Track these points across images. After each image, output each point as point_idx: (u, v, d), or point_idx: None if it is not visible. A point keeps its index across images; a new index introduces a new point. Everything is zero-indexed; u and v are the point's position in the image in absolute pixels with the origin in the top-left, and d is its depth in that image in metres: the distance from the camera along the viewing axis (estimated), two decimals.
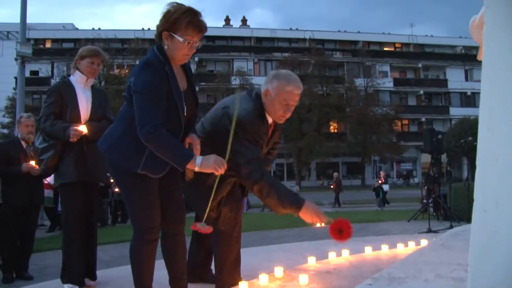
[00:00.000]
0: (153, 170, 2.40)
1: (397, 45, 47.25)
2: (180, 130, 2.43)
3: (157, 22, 2.42)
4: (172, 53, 2.41)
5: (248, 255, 4.49)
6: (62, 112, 3.51)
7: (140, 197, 2.45)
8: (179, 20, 2.34)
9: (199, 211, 2.89)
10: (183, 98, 2.43)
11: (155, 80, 2.32)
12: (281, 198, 2.59)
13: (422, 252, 2.51)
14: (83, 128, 3.42)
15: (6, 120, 37.81)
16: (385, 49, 46.44)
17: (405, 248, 3.88)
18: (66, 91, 3.52)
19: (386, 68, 44.75)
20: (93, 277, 3.65)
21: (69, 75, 3.68)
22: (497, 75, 1.38)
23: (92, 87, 3.70)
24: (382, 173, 20.04)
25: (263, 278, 2.74)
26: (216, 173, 2.33)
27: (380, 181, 18.58)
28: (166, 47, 2.40)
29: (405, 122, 44.09)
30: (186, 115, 2.45)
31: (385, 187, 18.22)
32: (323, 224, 2.61)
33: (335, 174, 21.05)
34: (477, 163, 1.38)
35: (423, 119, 42.84)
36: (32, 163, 4.40)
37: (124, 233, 8.45)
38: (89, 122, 3.52)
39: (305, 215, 2.61)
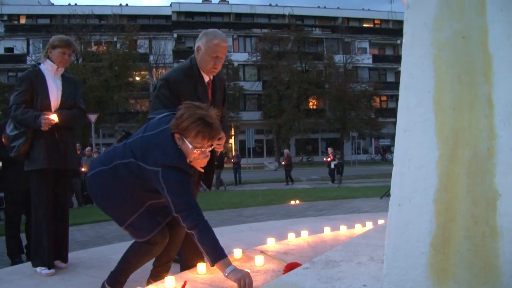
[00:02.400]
0: (136, 231, 2.51)
1: (376, 22, 47.30)
2: None
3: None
4: (185, 153, 2.44)
5: (217, 235, 4.66)
6: (33, 100, 3.55)
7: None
8: (190, 128, 2.37)
9: None
10: None
11: (184, 177, 2.38)
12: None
13: (366, 235, 2.70)
14: (54, 117, 3.48)
15: None
16: (364, 25, 46.47)
17: (362, 228, 4.08)
18: (37, 80, 3.56)
19: (365, 44, 44.89)
20: (65, 259, 3.76)
21: (39, 64, 3.72)
22: (413, 83, 1.53)
23: (63, 75, 3.74)
24: (329, 150, 19.50)
25: None
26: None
27: (329, 158, 18.63)
28: (179, 147, 2.43)
29: (384, 98, 44.56)
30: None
31: (333, 164, 18.39)
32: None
33: (286, 151, 20.48)
34: (394, 161, 1.55)
35: None
36: None
37: (101, 213, 8.55)
38: (59, 111, 3.58)
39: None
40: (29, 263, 3.70)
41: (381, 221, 4.03)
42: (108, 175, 2.47)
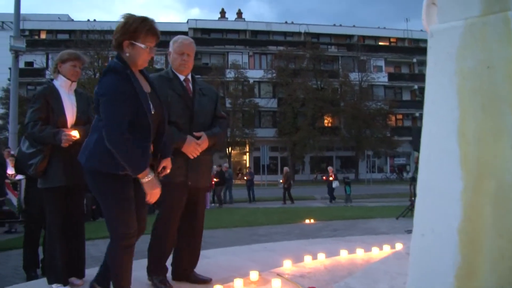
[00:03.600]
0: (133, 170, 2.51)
1: (392, 40, 47.30)
2: (149, 131, 2.54)
3: (115, 33, 2.62)
4: (133, 60, 2.59)
5: (231, 255, 4.66)
6: (49, 117, 3.59)
7: (117, 202, 2.56)
8: (139, 29, 2.54)
9: None
10: (148, 99, 2.58)
11: (119, 82, 2.48)
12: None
13: (385, 261, 2.66)
14: (75, 133, 3.52)
15: (1, 111, 37.66)
16: (380, 43, 46.50)
17: (380, 252, 4.03)
18: (52, 96, 3.59)
19: (381, 62, 44.79)
20: (82, 275, 3.76)
21: (52, 80, 3.77)
22: (437, 112, 1.52)
23: (75, 91, 3.78)
24: (330, 169, 19.15)
25: (238, 282, 2.89)
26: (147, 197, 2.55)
27: (330, 177, 18.14)
28: (127, 55, 2.58)
29: (399, 117, 44.30)
30: (155, 116, 2.61)
31: (335, 184, 18.01)
32: None
33: (285, 168, 20.11)
34: (417, 190, 1.53)
35: (417, 114, 42.99)
36: None
37: None
38: (77, 127, 3.63)
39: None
40: (45, 279, 3.72)
41: (398, 245, 3.98)
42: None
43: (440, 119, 1.51)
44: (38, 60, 39.46)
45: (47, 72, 39.19)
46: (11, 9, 15.18)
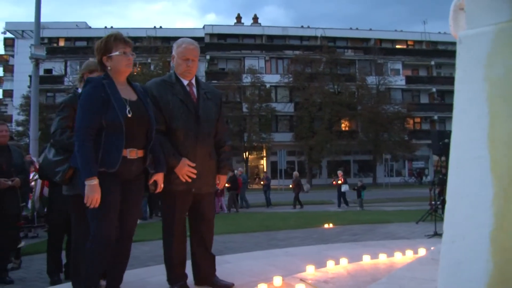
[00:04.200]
0: (109, 164, 2.77)
1: (409, 43, 46.97)
2: (122, 131, 2.76)
3: (96, 57, 3.00)
4: (116, 69, 2.91)
5: (251, 260, 4.68)
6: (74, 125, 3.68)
7: (103, 206, 2.76)
8: (108, 42, 2.91)
9: None
10: (124, 104, 2.82)
11: (91, 90, 2.79)
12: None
13: (410, 266, 2.65)
14: None
15: (21, 118, 38.37)
16: (397, 46, 46.21)
17: (403, 257, 4.01)
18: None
19: (398, 66, 44.53)
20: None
21: (77, 89, 3.85)
22: (466, 119, 1.52)
23: None
24: (339, 173, 18.83)
25: (261, 287, 2.90)
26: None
27: (339, 181, 17.93)
28: (109, 68, 2.90)
29: (417, 120, 43.89)
30: (135, 120, 2.84)
31: (344, 188, 17.78)
32: None
33: (295, 173, 19.90)
34: (447, 197, 1.53)
35: (436, 117, 42.63)
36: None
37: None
38: None
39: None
40: (68, 284, 3.77)
41: (421, 250, 3.95)
42: None
43: (470, 126, 1.50)
44: (57, 67, 40.19)
45: (65, 79, 39.88)
46: (30, 18, 15.58)
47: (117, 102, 2.77)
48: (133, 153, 2.84)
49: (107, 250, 2.82)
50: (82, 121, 2.76)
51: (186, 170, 3.18)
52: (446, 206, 1.52)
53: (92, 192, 2.68)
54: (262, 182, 20.08)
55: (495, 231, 1.40)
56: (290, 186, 19.27)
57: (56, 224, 5.14)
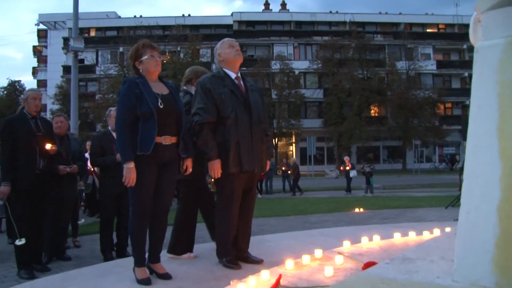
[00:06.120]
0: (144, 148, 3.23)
1: (440, 26, 46.02)
2: (154, 120, 3.22)
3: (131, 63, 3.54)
4: (147, 70, 3.40)
5: (290, 239, 5.11)
6: None
7: (140, 185, 3.27)
8: (138, 49, 3.43)
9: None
10: (156, 97, 3.31)
11: (126, 89, 3.29)
12: (201, 144, 3.63)
13: (436, 239, 3.03)
14: None
15: (56, 107, 39.54)
16: (428, 30, 45.37)
17: (431, 235, 4.35)
18: None
19: (429, 50, 43.81)
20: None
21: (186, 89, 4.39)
22: (481, 114, 1.90)
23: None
24: (346, 158, 18.89)
25: (305, 258, 3.34)
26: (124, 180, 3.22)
27: (347, 167, 17.95)
28: (141, 70, 3.41)
29: (448, 105, 43.24)
30: (166, 110, 3.31)
31: (352, 173, 17.86)
32: None
33: (293, 159, 19.83)
34: (464, 177, 1.92)
35: (467, 102, 41.76)
36: None
37: None
38: None
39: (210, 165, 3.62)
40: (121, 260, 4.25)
41: (448, 229, 4.29)
42: None
43: (483, 120, 1.87)
44: (89, 57, 41.03)
45: (97, 68, 40.83)
46: (61, 9, 16.18)
47: (149, 96, 3.25)
48: (167, 140, 3.33)
49: (145, 222, 3.35)
50: (119, 114, 3.29)
51: (216, 167, 3.59)
52: (463, 184, 1.91)
53: (129, 173, 3.18)
54: (283, 168, 20.00)
55: (501, 203, 1.77)
56: (289, 172, 19.09)
57: (107, 207, 5.58)
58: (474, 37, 2.18)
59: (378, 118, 41.35)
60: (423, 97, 39.09)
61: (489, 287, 1.79)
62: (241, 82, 3.83)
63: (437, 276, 1.97)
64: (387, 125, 39.47)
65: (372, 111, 42.16)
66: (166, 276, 3.39)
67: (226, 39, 3.91)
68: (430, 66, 42.27)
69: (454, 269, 1.93)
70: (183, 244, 4.13)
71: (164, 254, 3.72)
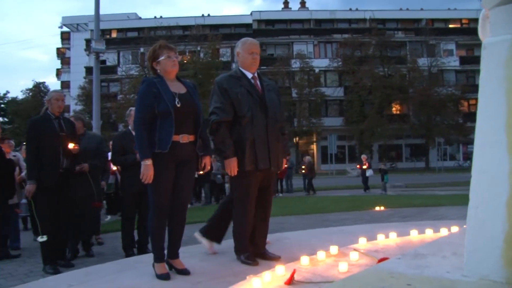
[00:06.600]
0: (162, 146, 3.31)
1: (463, 21, 45.17)
2: (171, 118, 3.29)
3: (148, 64, 3.67)
4: (165, 70, 3.48)
5: (309, 236, 5.15)
6: None
7: (157, 182, 3.35)
8: (155, 50, 3.52)
9: None
10: (174, 96, 3.37)
11: (144, 88, 3.39)
12: (218, 142, 3.70)
13: (451, 235, 3.04)
14: None
15: (79, 107, 40.22)
16: (450, 26, 44.61)
17: (449, 233, 4.33)
18: None
19: (452, 46, 43.09)
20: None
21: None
22: (488, 110, 1.92)
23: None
24: (364, 157, 18.71)
25: (320, 254, 3.39)
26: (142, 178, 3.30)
27: (364, 166, 17.77)
28: (158, 71, 3.50)
29: (472, 102, 42.32)
30: (184, 109, 3.37)
31: (369, 172, 17.67)
32: None
33: (306, 157, 19.57)
34: (472, 172, 1.94)
35: None
36: None
37: (196, 214, 9.30)
38: None
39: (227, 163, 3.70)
40: (148, 255, 4.33)
41: (465, 226, 4.26)
42: None
43: (491, 115, 1.89)
44: (111, 58, 41.58)
45: (118, 69, 41.34)
46: (83, 12, 16.51)
47: (166, 95, 3.32)
48: (185, 138, 3.39)
49: (163, 218, 3.44)
50: (137, 113, 3.38)
51: (232, 165, 3.67)
52: (472, 179, 1.93)
53: (147, 170, 3.26)
54: (303, 167, 19.75)
55: (510, 198, 1.79)
56: (303, 171, 18.83)
57: (128, 206, 5.70)
58: (483, 34, 2.20)
59: (400, 115, 40.89)
60: (446, 94, 38.52)
61: (499, 281, 1.82)
62: (258, 82, 3.90)
63: (447, 271, 2.00)
64: (409, 123, 39.00)
65: (394, 109, 41.71)
66: (184, 272, 3.46)
67: (248, 41, 3.94)
68: (453, 62, 41.51)
69: (464, 264, 1.96)
70: (218, 231, 4.20)
71: (182, 251, 3.80)
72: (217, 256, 4.12)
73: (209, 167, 3.63)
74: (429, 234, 4.40)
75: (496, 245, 1.84)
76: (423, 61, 39.93)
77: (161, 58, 3.47)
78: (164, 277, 3.35)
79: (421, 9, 44.85)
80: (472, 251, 1.92)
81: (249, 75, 3.87)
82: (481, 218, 1.88)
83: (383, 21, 43.80)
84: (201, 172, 3.70)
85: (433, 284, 1.84)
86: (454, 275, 1.94)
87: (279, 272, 2.94)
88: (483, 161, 1.90)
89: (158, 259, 3.45)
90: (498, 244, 1.83)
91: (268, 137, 3.74)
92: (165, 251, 3.55)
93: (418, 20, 44.19)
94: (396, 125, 38.04)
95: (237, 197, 3.86)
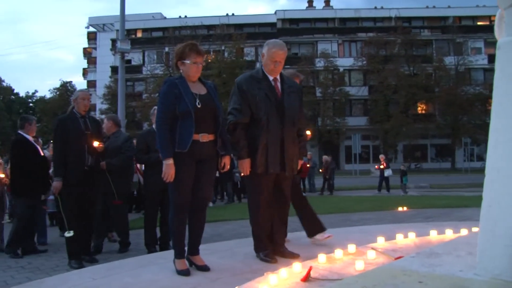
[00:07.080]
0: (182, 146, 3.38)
1: (492, 18, 43.76)
2: (192, 119, 3.35)
3: (173, 59, 3.67)
4: (186, 73, 3.51)
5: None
6: None
7: (178, 181, 3.43)
8: (184, 50, 3.51)
9: None
10: (194, 97, 3.43)
11: (166, 89, 3.46)
12: (234, 142, 3.75)
13: (469, 235, 3.03)
14: None
15: (104, 106, 40.89)
16: (478, 23, 43.58)
17: (468, 233, 4.29)
18: None
19: (480, 44, 42.12)
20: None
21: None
22: (502, 109, 1.92)
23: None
24: (381, 157, 18.37)
25: (338, 252, 3.41)
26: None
27: (382, 166, 17.47)
28: (181, 71, 3.53)
29: None
30: (204, 109, 3.44)
31: (387, 173, 17.40)
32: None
33: (324, 157, 19.20)
34: (486, 171, 1.95)
35: None
36: None
37: (217, 213, 9.39)
38: None
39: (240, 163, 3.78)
40: (169, 251, 4.41)
41: None
42: None
43: (505, 115, 1.89)
44: (136, 57, 42.04)
45: (143, 68, 41.88)
46: (109, 12, 16.75)
47: (187, 96, 3.38)
48: (204, 137, 3.45)
49: (184, 216, 3.52)
50: (159, 113, 3.46)
51: (245, 166, 3.74)
52: (485, 178, 1.94)
53: (168, 169, 3.33)
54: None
55: None
56: (320, 170, 18.66)
57: (151, 204, 5.83)
58: (499, 33, 2.19)
59: (425, 115, 40.31)
60: (474, 93, 37.75)
61: (510, 281, 1.82)
62: (278, 84, 3.93)
63: (460, 270, 2.01)
64: (435, 122, 38.40)
65: (419, 108, 41.15)
66: (204, 268, 3.54)
67: (274, 48, 3.86)
68: (481, 60, 40.56)
69: (476, 262, 1.97)
70: (314, 226, 4.49)
71: (203, 248, 3.87)
72: (237, 253, 4.19)
73: (228, 167, 3.69)
74: (448, 234, 4.37)
75: (508, 244, 1.85)
76: (449, 60, 39.18)
77: (187, 61, 3.50)
78: (184, 273, 3.43)
79: (448, 7, 43.87)
80: (484, 250, 1.93)
81: (271, 77, 3.91)
82: (493, 217, 1.89)
83: (409, 19, 43.21)
84: (222, 171, 3.74)
85: (444, 282, 1.85)
86: (466, 274, 1.95)
87: (296, 269, 2.99)
88: (496, 160, 1.90)
89: (178, 255, 3.53)
90: (511, 243, 1.84)
91: (283, 141, 3.78)
92: (186, 248, 3.63)
93: (445, 18, 43.39)
94: (422, 125, 37.53)
95: (250, 197, 3.98)
